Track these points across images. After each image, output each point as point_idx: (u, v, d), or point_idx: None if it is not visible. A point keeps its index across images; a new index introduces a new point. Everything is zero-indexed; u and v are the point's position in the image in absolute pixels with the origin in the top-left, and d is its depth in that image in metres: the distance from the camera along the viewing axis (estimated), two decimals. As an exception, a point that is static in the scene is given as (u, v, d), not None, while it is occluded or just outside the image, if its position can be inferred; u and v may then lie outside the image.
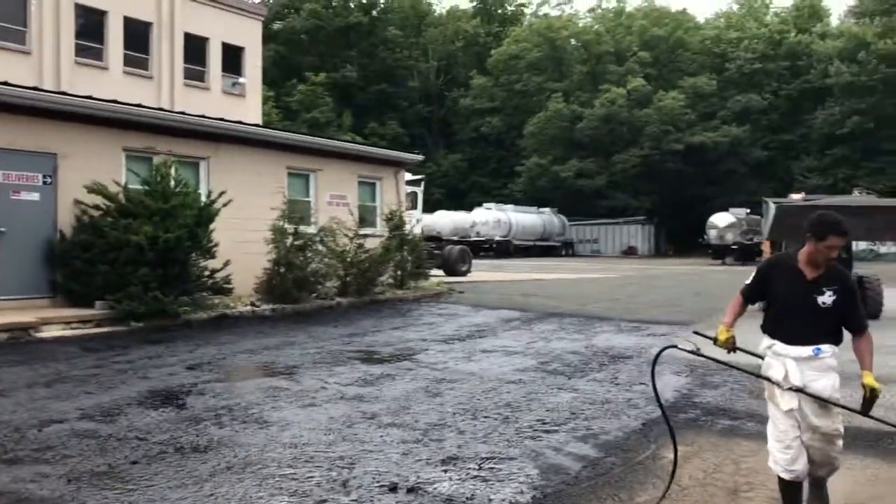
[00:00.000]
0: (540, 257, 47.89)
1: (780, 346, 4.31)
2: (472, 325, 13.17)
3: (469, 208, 50.79)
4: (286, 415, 6.78)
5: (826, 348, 4.21)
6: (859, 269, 16.13)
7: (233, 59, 26.50)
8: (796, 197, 17.43)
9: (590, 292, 20.61)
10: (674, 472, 4.68)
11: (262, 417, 6.68)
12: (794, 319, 4.27)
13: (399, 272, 17.71)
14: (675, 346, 4.53)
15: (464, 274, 25.69)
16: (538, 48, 62.35)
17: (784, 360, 4.25)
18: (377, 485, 5.00)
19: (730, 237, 42.86)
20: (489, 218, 48.09)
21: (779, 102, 56.92)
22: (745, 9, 68.85)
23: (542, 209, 53.61)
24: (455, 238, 39.14)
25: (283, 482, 5.03)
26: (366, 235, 16.39)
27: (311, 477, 5.13)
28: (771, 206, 15.90)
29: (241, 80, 26.47)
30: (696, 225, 48.36)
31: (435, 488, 4.94)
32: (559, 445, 5.96)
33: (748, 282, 4.61)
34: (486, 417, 6.76)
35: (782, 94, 56.88)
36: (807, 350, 4.21)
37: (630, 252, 55.29)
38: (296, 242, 14.66)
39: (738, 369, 4.97)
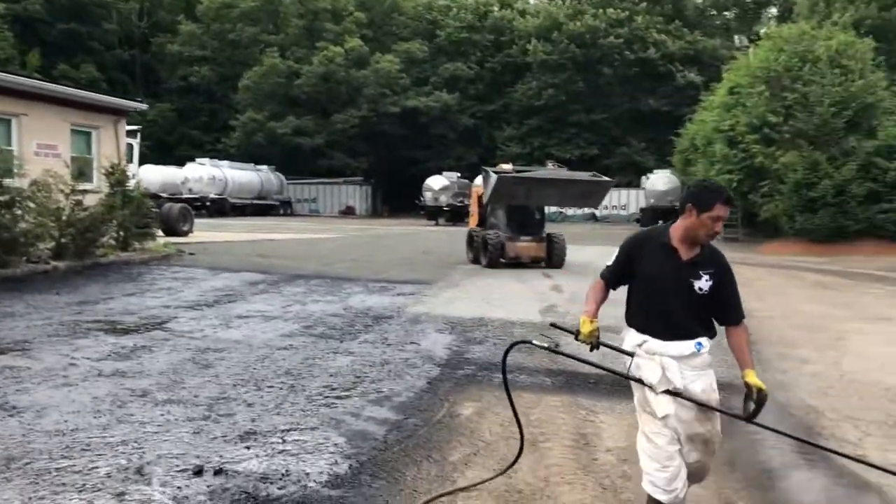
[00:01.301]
0: (257, 216, 46.63)
1: (654, 342, 3.63)
2: (215, 290, 12.45)
3: (179, 163, 47.45)
4: (38, 398, 5.92)
5: (706, 342, 3.64)
6: (550, 228, 19.36)
7: None
8: (506, 167, 19.05)
9: (325, 253, 20.52)
10: (521, 445, 4.41)
11: (8, 402, 5.77)
12: (666, 308, 3.61)
13: (122, 232, 16.15)
14: (530, 342, 3.90)
15: (185, 234, 24.25)
16: (252, -3, 59.88)
17: (660, 360, 3.59)
18: (178, 469, 4.57)
19: (443, 199, 45.12)
20: (203, 174, 45.43)
21: (484, 73, 60.50)
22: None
23: (259, 167, 51.93)
24: (165, 195, 36.59)
25: (65, 476, 4.40)
26: (84, 191, 14.68)
27: (97, 467, 4.55)
28: (492, 176, 17.38)
29: None
30: (410, 186, 50.14)
31: (244, 467, 4.63)
32: (356, 411, 5.89)
33: (609, 262, 3.90)
34: (270, 387, 6.46)
35: (487, 66, 60.48)
36: (688, 346, 3.59)
37: (348, 212, 55.96)
38: (1, 198, 12.73)
39: (605, 370, 4.18)
